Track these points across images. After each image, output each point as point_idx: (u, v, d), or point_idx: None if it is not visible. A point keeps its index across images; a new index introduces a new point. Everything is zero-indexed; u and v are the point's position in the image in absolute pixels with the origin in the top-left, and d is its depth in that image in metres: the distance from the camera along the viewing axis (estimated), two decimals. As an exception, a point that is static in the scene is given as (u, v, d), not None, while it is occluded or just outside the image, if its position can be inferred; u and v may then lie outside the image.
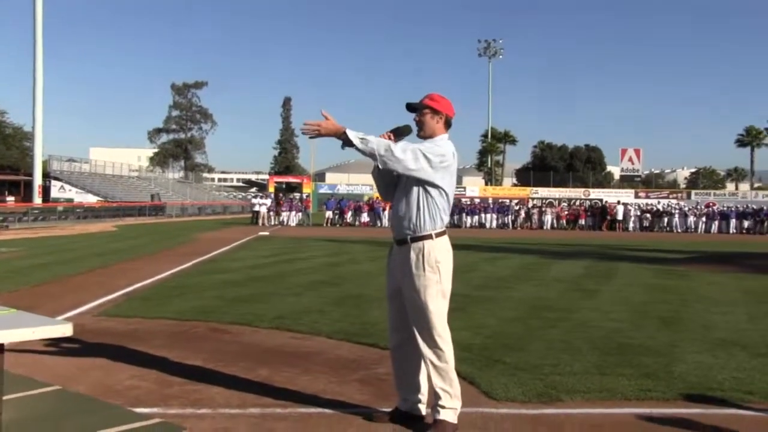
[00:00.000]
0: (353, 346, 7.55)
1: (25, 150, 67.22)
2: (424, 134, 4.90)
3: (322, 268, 16.20)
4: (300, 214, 48.04)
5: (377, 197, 52.17)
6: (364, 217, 47.20)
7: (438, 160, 4.69)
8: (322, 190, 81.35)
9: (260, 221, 44.41)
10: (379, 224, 44.97)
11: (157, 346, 7.43)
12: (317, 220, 49.62)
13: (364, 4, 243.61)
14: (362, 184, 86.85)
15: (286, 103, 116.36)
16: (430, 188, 4.75)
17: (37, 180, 52.08)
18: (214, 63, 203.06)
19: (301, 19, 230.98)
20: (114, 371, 6.37)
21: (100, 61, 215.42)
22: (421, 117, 4.91)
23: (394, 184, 4.99)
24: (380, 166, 4.68)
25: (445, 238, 4.85)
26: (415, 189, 4.79)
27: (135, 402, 5.41)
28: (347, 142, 4.58)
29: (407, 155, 4.62)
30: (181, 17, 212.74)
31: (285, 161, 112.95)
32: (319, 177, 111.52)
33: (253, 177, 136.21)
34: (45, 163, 57.44)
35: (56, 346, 7.05)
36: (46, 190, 55.49)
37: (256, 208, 46.65)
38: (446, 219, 4.86)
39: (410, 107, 4.97)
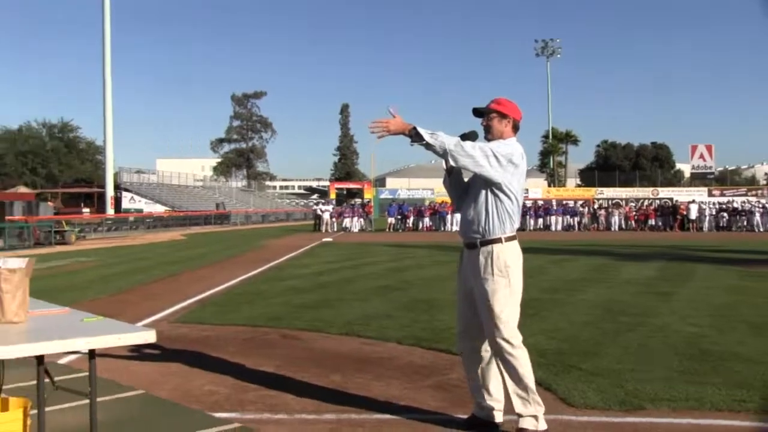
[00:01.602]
0: (424, 351, 7.54)
1: (97, 163, 69.18)
2: (491, 138, 4.87)
3: (387, 273, 16.23)
4: (362, 219, 48.26)
5: (440, 201, 52.06)
6: (427, 222, 47.12)
7: (507, 159, 4.65)
8: (383, 195, 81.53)
9: (323, 228, 44.76)
10: (442, 228, 44.80)
11: (231, 352, 7.56)
12: (379, 225, 49.75)
13: (419, 7, 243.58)
14: (423, 188, 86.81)
15: (344, 110, 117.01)
16: (498, 192, 4.71)
17: (110, 191, 53.56)
18: (273, 72, 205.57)
19: (357, 25, 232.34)
20: (192, 377, 6.50)
21: (164, 74, 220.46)
22: (489, 121, 4.88)
23: (467, 192, 4.97)
24: (450, 162, 4.64)
25: (515, 242, 4.80)
26: (483, 192, 4.76)
27: (214, 407, 5.51)
28: (416, 139, 4.56)
29: (476, 152, 4.59)
30: (241, 28, 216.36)
31: (345, 167, 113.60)
32: (380, 182, 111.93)
33: (314, 184, 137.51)
34: (116, 175, 58.98)
35: (137, 352, 7.23)
36: (117, 201, 57.04)
37: (319, 213, 47.05)
38: (516, 223, 4.80)
39: (477, 112, 4.94)
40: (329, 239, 34.04)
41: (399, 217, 47.77)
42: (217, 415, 5.28)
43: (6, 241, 28.73)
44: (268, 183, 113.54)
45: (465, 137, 4.76)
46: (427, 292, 12.50)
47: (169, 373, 6.67)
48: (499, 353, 4.69)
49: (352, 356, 7.37)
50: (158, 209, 60.05)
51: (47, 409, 3.84)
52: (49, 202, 48.86)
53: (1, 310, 4.13)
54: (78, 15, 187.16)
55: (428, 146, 4.57)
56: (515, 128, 4.91)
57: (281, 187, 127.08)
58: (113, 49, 53.05)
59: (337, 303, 11.20)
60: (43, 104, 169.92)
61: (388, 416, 5.26)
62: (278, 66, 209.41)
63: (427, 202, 58.98)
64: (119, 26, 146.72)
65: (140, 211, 57.89)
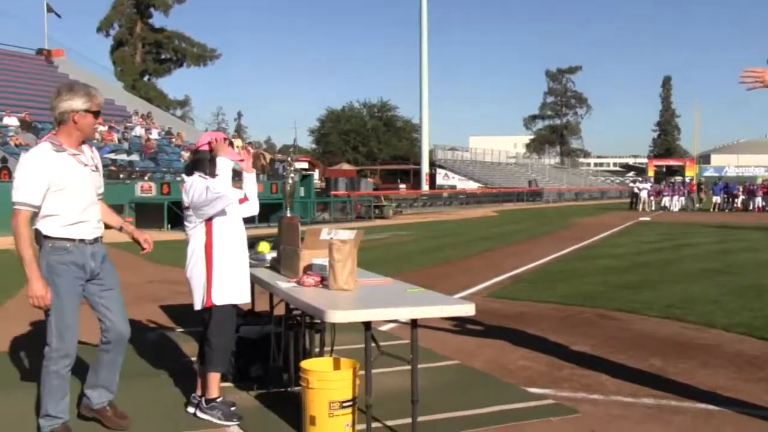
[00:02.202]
0: (756, 341, 6.89)
1: (413, 141, 72.80)
2: None
3: (712, 256, 15.11)
4: (683, 198, 45.45)
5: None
6: (758, 202, 43.00)
7: None
8: (707, 173, 76.08)
9: (640, 206, 42.88)
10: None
11: (545, 329, 7.52)
12: (703, 205, 46.45)
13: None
14: (754, 165, 79.41)
15: (666, 83, 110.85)
16: None
17: (425, 168, 56.10)
18: (588, 46, 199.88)
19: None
20: (506, 351, 6.57)
21: (476, 54, 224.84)
22: None
23: None
24: None
25: None
26: None
27: (528, 382, 5.53)
28: None
29: None
30: (556, 4, 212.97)
31: (665, 143, 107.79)
32: (704, 159, 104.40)
33: (631, 161, 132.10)
34: (430, 153, 61.52)
35: (452, 323, 7.48)
36: (432, 178, 59.52)
37: (636, 191, 45.15)
38: None
39: None
40: (646, 218, 32.54)
41: (725, 196, 44.24)
42: (531, 390, 5.29)
43: (331, 214, 31.33)
44: (581, 160, 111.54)
45: None
46: (760, 277, 11.42)
47: (483, 345, 6.81)
48: None
49: (672, 340, 6.98)
50: (471, 186, 61.67)
51: (373, 371, 4.10)
52: (369, 179, 52.39)
53: (333, 278, 4.49)
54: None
55: None
56: None
57: (595, 164, 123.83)
58: (429, 31, 55.16)
59: (657, 284, 10.67)
60: (365, 85, 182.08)
61: (713, 407, 4.90)
62: (594, 40, 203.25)
63: (759, 180, 53.82)
64: (435, 5, 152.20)
65: (453, 187, 59.81)
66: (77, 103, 4.14)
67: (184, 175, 4.81)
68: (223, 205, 4.57)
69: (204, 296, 4.60)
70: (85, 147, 4.28)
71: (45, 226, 4.10)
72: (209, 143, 4.68)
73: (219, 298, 4.58)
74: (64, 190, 4.07)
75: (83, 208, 4.17)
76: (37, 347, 4.55)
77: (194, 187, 4.59)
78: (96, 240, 4.27)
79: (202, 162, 4.67)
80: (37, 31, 42.57)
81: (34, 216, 4.07)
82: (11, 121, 27.24)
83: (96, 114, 4.23)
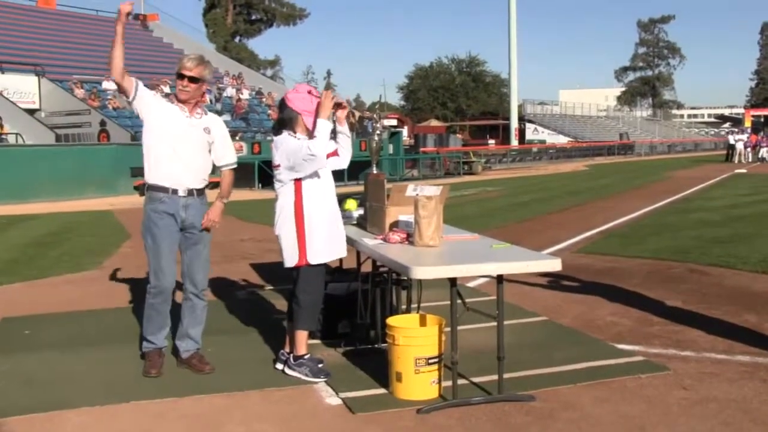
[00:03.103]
0: None
1: (502, 96, 71.63)
2: None
3: (815, 208, 14.46)
4: (784, 149, 43.41)
5: None
6: None
7: None
8: (811, 122, 72.24)
9: (736, 158, 41.21)
10: None
11: (635, 284, 7.39)
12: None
13: None
14: None
15: (765, 29, 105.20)
16: None
17: (514, 123, 55.30)
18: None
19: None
20: (595, 307, 6.50)
21: (565, 5, 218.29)
22: None
23: None
24: None
25: None
26: None
27: (617, 338, 5.46)
28: None
29: None
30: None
31: (763, 92, 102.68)
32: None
33: (726, 112, 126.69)
34: (519, 108, 60.46)
35: (540, 279, 7.42)
36: (521, 133, 58.63)
37: (732, 143, 43.37)
38: None
39: None
40: (743, 170, 31.28)
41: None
42: (620, 346, 5.23)
43: (420, 171, 31.29)
44: (674, 112, 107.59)
45: None
46: None
47: (572, 301, 6.75)
48: None
49: (769, 296, 6.76)
50: (561, 140, 60.39)
51: (459, 327, 4.13)
52: (457, 135, 51.96)
53: (419, 234, 4.52)
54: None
55: None
56: None
57: (689, 116, 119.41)
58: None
59: (753, 238, 10.32)
60: (453, 40, 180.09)
61: (813, 365, 4.73)
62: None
63: None
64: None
65: (543, 142, 58.71)
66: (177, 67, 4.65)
67: (273, 135, 4.86)
68: (318, 166, 4.58)
69: (294, 254, 4.64)
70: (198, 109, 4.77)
71: None
72: (317, 101, 4.63)
73: (309, 257, 4.62)
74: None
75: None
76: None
77: (286, 145, 4.61)
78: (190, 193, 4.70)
79: (290, 121, 4.67)
80: (132, -4, 43.58)
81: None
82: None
83: (179, 76, 4.61)
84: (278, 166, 4.67)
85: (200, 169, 4.75)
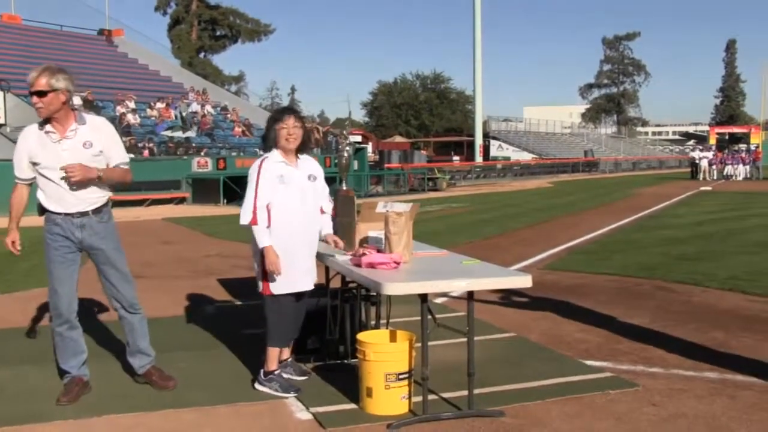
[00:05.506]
0: (827, 314, 6.70)
1: (467, 113, 72.26)
2: None
3: (777, 226, 14.70)
4: (748, 167, 44.21)
5: None
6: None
7: None
8: (773, 141, 73.61)
9: (701, 175, 41.88)
10: None
11: (602, 301, 7.42)
12: None
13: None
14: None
15: (730, 47, 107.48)
16: None
17: (478, 140, 55.64)
18: (646, 11, 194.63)
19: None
20: (562, 323, 6.51)
21: (530, 22, 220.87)
22: None
23: None
24: None
25: None
26: None
27: (585, 354, 5.47)
28: None
29: None
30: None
31: (728, 110, 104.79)
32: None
33: (691, 129, 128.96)
34: (484, 124, 60.94)
35: (507, 295, 7.43)
36: (486, 150, 58.97)
37: (696, 162, 44.08)
38: None
39: None
40: (708, 188, 31.77)
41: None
42: (589, 363, 5.23)
43: (384, 187, 31.32)
44: (639, 129, 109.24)
45: None
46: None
47: (539, 318, 6.76)
48: None
49: (736, 313, 6.82)
50: (525, 157, 60.90)
51: (429, 343, 4.10)
52: (422, 151, 52.09)
53: (389, 250, 4.49)
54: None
55: None
56: None
57: (654, 133, 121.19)
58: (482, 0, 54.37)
59: (719, 256, 10.44)
60: (418, 57, 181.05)
61: (781, 383, 4.77)
62: (652, 4, 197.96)
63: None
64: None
65: (508, 158, 59.09)
66: None
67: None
68: None
69: (259, 283, 4.67)
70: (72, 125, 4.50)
71: None
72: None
73: (271, 288, 4.61)
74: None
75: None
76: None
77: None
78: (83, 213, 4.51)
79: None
80: (98, 12, 43.08)
81: None
82: (75, 100, 27.72)
83: (29, 95, 4.41)
84: None
85: (89, 191, 4.50)
